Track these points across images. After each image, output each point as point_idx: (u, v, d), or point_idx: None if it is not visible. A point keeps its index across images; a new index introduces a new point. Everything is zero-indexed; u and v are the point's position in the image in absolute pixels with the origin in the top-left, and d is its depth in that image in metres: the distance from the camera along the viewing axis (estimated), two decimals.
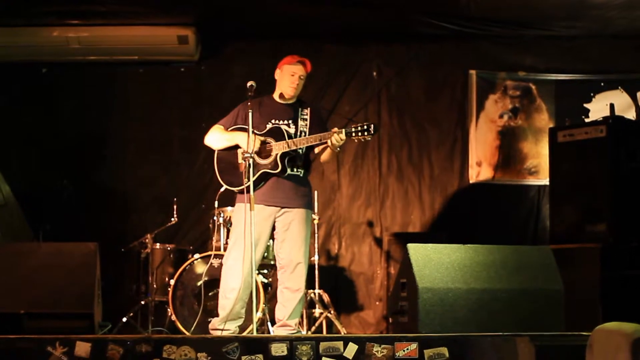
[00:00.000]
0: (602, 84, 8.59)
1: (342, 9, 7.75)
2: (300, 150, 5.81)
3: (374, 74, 8.63)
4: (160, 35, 8.14)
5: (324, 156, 5.89)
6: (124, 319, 7.22)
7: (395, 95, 8.64)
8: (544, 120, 8.58)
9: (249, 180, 5.59)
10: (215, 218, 7.23)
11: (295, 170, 5.81)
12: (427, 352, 5.07)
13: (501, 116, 8.62)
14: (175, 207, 7.48)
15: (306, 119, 5.89)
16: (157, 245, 7.48)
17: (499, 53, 8.65)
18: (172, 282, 7.05)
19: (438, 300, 5.73)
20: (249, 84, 5.78)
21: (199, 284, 6.99)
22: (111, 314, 6.94)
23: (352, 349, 5.04)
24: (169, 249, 7.51)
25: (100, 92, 8.49)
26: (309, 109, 5.91)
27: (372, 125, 5.61)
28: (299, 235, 5.79)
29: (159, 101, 8.47)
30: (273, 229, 5.86)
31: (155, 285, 7.33)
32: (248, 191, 5.64)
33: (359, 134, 5.61)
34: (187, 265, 7.08)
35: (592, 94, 8.58)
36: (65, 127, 8.42)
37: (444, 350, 5.08)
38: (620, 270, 6.79)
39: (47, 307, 5.83)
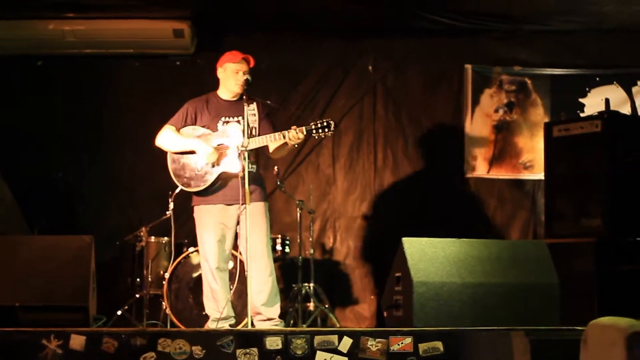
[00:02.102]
0: (598, 78, 8.59)
1: (339, 3, 7.74)
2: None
3: (370, 68, 8.61)
4: (156, 29, 8.13)
5: (282, 152, 6.01)
6: (119, 312, 7.22)
7: (391, 89, 8.62)
8: (539, 114, 8.58)
9: (244, 175, 5.63)
10: None
11: (249, 166, 5.82)
12: (422, 346, 5.08)
13: (496, 110, 8.62)
14: (170, 200, 7.46)
15: (254, 114, 5.91)
16: (152, 239, 7.46)
17: (494, 47, 8.64)
18: (167, 275, 7.06)
19: (433, 294, 5.72)
20: (244, 78, 5.79)
21: (194, 276, 6.99)
22: (106, 307, 6.95)
23: (346, 342, 5.04)
24: (163, 242, 7.50)
25: (95, 85, 8.47)
26: (255, 103, 5.90)
27: (332, 123, 5.73)
28: (261, 229, 5.88)
29: (155, 94, 8.42)
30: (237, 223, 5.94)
31: (150, 279, 7.31)
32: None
33: (319, 131, 5.71)
34: (182, 259, 7.08)
35: (587, 89, 8.58)
36: (60, 120, 8.40)
37: (439, 345, 5.09)
38: (615, 264, 6.78)
39: (42, 300, 5.82)
